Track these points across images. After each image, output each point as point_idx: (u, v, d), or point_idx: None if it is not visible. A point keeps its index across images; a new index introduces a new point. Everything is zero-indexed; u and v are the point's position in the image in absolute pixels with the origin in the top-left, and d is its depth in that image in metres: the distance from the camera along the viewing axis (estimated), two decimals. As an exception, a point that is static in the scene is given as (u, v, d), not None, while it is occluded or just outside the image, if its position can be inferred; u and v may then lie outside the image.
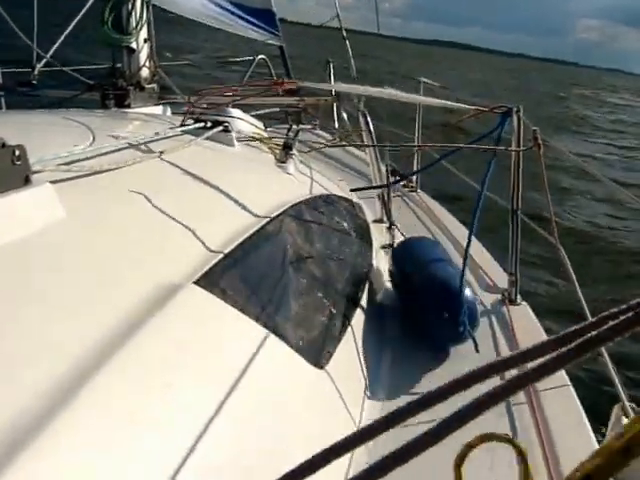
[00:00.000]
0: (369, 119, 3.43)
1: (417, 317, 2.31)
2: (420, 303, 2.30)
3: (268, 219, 1.85)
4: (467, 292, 2.24)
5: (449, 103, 2.69)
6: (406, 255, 2.64)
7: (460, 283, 2.20)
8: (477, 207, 2.43)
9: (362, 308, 2.15)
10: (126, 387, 0.99)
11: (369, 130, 3.43)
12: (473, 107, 2.64)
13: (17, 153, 1.27)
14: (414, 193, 4.53)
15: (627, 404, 1.89)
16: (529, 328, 2.39)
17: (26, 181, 1.30)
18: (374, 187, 3.43)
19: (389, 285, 2.67)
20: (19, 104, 4.04)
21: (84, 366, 0.95)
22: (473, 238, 3.38)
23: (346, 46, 4.74)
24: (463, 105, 2.71)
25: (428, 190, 4.62)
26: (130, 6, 3.48)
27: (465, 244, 2.42)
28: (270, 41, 5.28)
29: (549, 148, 2.66)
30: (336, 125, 5.82)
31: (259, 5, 5.02)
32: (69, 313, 1.09)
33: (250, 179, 2.36)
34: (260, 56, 5.96)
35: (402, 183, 4.66)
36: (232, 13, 4.95)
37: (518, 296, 2.67)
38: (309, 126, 6.22)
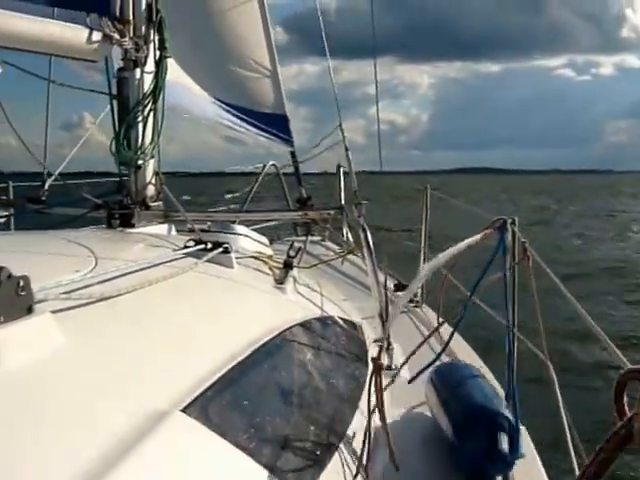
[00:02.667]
0: (369, 234, 3.58)
1: (460, 443, 2.24)
2: (464, 426, 2.25)
3: (258, 345, 1.94)
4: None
5: (457, 247, 2.79)
6: (444, 381, 2.60)
7: (515, 418, 2.20)
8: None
9: (353, 433, 2.17)
10: None
11: (368, 245, 3.57)
12: (475, 238, 2.78)
13: (22, 284, 1.40)
14: (418, 309, 4.61)
15: None
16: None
17: (29, 311, 1.42)
18: None
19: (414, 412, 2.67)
20: (28, 220, 4.28)
21: None
22: (475, 355, 3.44)
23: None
24: (468, 240, 2.84)
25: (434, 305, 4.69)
26: (142, 124, 3.72)
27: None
28: (282, 147, 5.34)
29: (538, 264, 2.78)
30: (344, 238, 5.96)
31: (271, 110, 5.12)
32: (55, 441, 1.16)
33: (246, 303, 2.48)
34: (270, 162, 5.99)
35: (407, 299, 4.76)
36: (243, 120, 5.06)
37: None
38: (319, 237, 6.40)
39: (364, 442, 2.10)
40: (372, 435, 2.21)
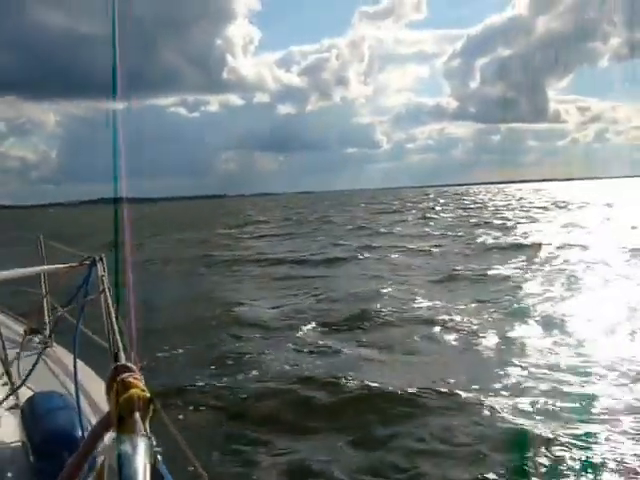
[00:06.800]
0: None
1: (42, 465, 2.69)
2: (43, 452, 2.72)
3: None
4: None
5: (41, 268, 3.24)
6: (30, 411, 3.06)
7: (81, 427, 2.70)
8: (75, 348, 2.99)
9: None
10: None
11: None
12: (67, 266, 3.29)
13: None
14: (49, 349, 4.83)
15: None
16: None
17: None
18: None
19: (17, 444, 3.03)
20: None
21: None
22: (93, 374, 3.95)
23: None
24: (58, 265, 3.32)
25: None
26: None
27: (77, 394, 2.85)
28: None
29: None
30: None
31: None
32: None
33: None
34: None
35: (37, 341, 5.10)
36: None
37: None
38: None
39: None
40: None
